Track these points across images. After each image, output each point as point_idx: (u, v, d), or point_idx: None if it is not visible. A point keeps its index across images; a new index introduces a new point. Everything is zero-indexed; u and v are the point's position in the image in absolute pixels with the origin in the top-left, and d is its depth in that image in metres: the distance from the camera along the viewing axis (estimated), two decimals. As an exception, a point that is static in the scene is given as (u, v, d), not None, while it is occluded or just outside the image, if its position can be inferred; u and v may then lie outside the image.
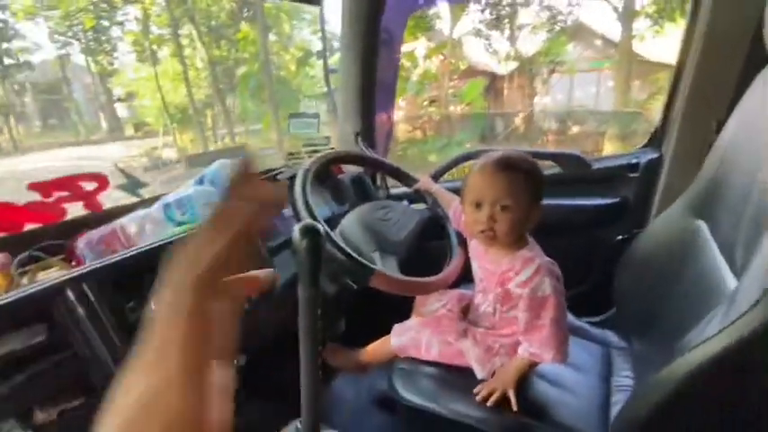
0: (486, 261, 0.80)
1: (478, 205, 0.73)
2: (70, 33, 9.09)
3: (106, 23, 8.99)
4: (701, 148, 0.97)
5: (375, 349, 0.96)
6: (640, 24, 7.00)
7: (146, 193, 1.01)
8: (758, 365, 0.45)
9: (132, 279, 0.66)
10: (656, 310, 0.80)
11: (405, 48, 6.57)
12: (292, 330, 0.56)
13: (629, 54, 7.05)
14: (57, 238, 0.79)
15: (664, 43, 6.80)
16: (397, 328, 0.91)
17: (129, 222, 0.83)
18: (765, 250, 0.47)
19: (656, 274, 0.83)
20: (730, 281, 0.57)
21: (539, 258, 0.74)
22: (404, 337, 0.87)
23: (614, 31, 7.44)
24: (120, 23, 9.30)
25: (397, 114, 7.66)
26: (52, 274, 0.73)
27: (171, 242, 0.73)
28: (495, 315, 0.80)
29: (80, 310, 0.58)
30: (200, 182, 0.95)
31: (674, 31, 6.52)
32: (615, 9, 6.97)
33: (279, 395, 0.80)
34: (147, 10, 7.91)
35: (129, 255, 0.68)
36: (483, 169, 0.74)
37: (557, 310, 0.71)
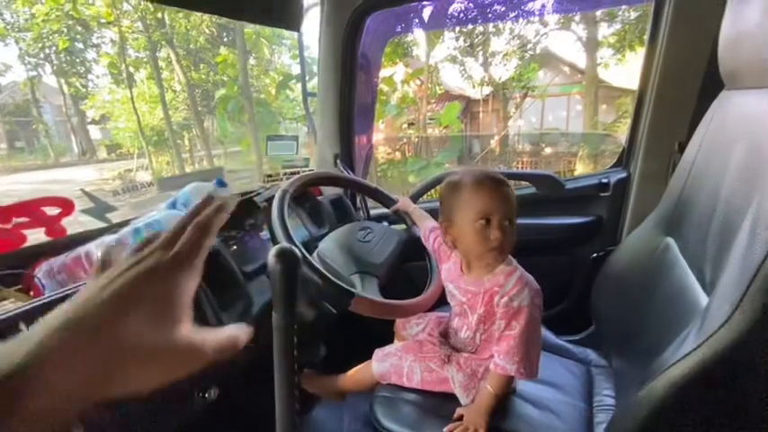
0: (465, 283, 0.79)
1: (488, 221, 0.71)
2: (42, 55, 8.90)
3: (80, 45, 8.88)
4: (666, 168, 1.02)
5: (356, 375, 0.92)
6: (604, 53, 7.45)
7: (115, 217, 0.97)
8: (733, 381, 0.45)
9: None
10: (632, 327, 0.81)
11: (384, 73, 6.75)
12: (267, 359, 0.54)
13: (595, 80, 7.46)
14: (14, 267, 0.74)
15: (626, 70, 7.24)
16: (378, 353, 0.88)
17: (95, 248, 0.79)
18: (732, 267, 0.49)
19: (630, 291, 0.85)
20: (701, 297, 0.59)
21: (519, 270, 0.74)
22: (386, 363, 0.85)
23: (580, 58, 7.89)
24: (96, 46, 9.20)
25: (377, 137, 7.78)
26: (6, 306, 0.68)
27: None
28: (476, 338, 0.79)
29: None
30: (173, 205, 0.92)
31: (635, 60, 6.96)
32: (580, 39, 7.41)
33: (254, 428, 0.75)
34: (123, 33, 7.86)
35: (92, 283, 0.64)
36: (483, 184, 0.72)
37: (528, 322, 0.70)
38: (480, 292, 0.75)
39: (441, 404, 0.78)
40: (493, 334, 0.76)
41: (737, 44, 0.62)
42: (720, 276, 0.50)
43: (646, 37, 1.11)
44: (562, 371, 0.93)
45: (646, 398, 0.51)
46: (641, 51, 1.13)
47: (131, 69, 8.62)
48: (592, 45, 7.34)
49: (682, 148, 0.85)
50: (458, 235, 0.76)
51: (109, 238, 0.81)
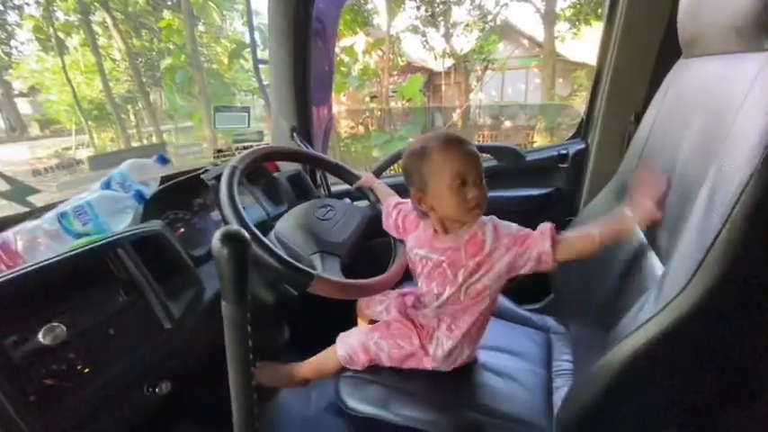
0: (441, 242, 0.77)
1: (464, 183, 0.70)
2: (-49, 16, 7.76)
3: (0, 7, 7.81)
4: (622, 139, 1.04)
5: (318, 362, 0.89)
6: (561, 27, 7.56)
7: (38, 201, 0.86)
8: (690, 349, 0.47)
9: (14, 306, 0.55)
10: (589, 295, 0.83)
11: (344, 42, 6.48)
12: (223, 350, 0.49)
13: (552, 54, 7.59)
14: None
15: (581, 45, 7.42)
16: (342, 336, 0.86)
17: (12, 237, 0.69)
18: (689, 235, 0.49)
19: (590, 261, 0.87)
20: (657, 266, 0.60)
21: (489, 218, 0.76)
22: (352, 341, 0.83)
23: (539, 31, 7.97)
24: (18, 7, 8.12)
25: (339, 110, 7.56)
26: None
27: (65, 258, 0.61)
28: (461, 294, 0.76)
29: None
30: (107, 185, 0.82)
31: (590, 34, 7.13)
32: (538, 11, 7.45)
33: (211, 423, 0.71)
34: (48, -8, 6.98)
35: (8, 276, 0.56)
36: (453, 147, 0.71)
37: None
38: (461, 245, 0.74)
39: (407, 381, 0.78)
40: (478, 288, 0.75)
41: (698, 8, 0.61)
42: (677, 245, 0.51)
43: (604, 8, 1.11)
44: (522, 339, 0.95)
45: (605, 365, 0.52)
46: (597, 26, 1.13)
47: (61, 35, 7.72)
48: (550, 18, 7.41)
49: (638, 119, 0.86)
50: (433, 201, 0.74)
51: (30, 225, 0.72)
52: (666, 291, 0.48)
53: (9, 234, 0.69)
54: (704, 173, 0.49)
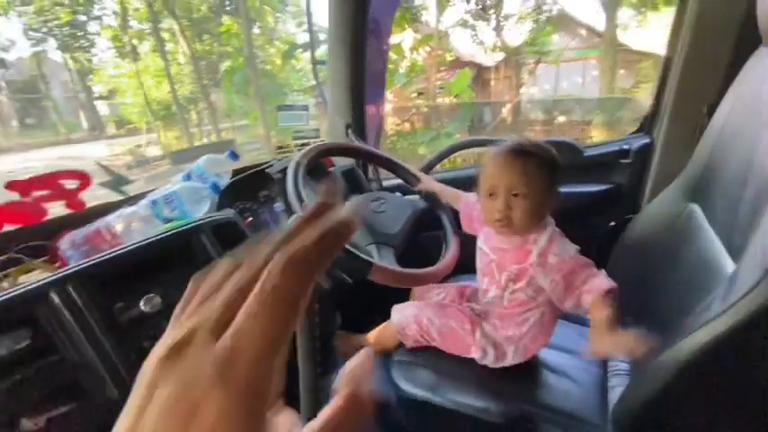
0: (500, 242, 0.79)
1: (492, 194, 0.72)
2: (45, 29, 8.78)
3: (83, 18, 8.72)
4: (692, 133, 0.98)
5: (378, 335, 0.95)
6: (624, 14, 7.05)
7: (131, 190, 0.98)
8: (759, 347, 0.45)
9: (120, 278, 0.64)
10: (651, 294, 0.80)
11: (392, 40, 6.50)
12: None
13: (613, 43, 7.10)
14: (38, 240, 0.76)
15: (646, 33, 6.87)
16: (398, 306, 0.91)
17: (114, 220, 0.80)
18: (761, 234, 0.47)
19: (651, 258, 0.83)
20: (728, 264, 0.57)
21: (550, 227, 0.74)
22: (407, 313, 0.87)
23: (598, 20, 7.49)
24: (98, 18, 9.03)
25: (386, 107, 7.60)
26: (35, 277, 0.70)
27: (159, 239, 0.70)
28: (503, 299, 0.78)
29: (66, 314, 0.55)
30: (188, 177, 0.92)
31: (657, 21, 6.59)
32: (599, -2, 7.01)
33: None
34: (124, 3, 7.67)
35: (115, 253, 0.65)
36: (496, 158, 0.73)
37: (587, 261, 0.71)
38: (511, 249, 0.75)
39: (458, 367, 0.80)
40: (519, 299, 0.76)
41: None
42: (749, 244, 0.49)
43: (675, -7, 1.04)
44: (578, 338, 0.93)
45: (666, 363, 0.51)
46: (665, 11, 1.06)
47: (135, 42, 8.47)
48: (612, 5, 6.94)
49: (711, 111, 0.81)
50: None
51: (128, 210, 0.82)
52: (735, 290, 0.46)
53: (112, 218, 0.81)
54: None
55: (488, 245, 0.82)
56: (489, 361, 0.79)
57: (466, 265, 0.89)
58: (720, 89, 0.83)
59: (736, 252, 0.56)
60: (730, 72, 0.81)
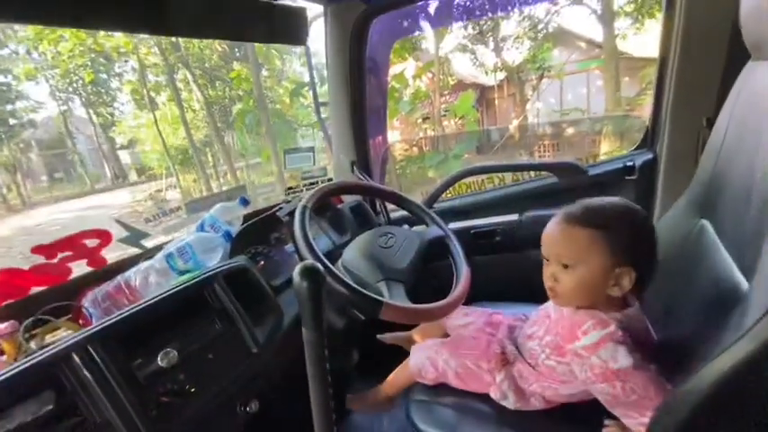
0: (558, 298, 0.71)
1: (547, 260, 0.68)
2: (70, 89, 9.43)
3: (104, 76, 9.33)
4: (694, 146, 0.97)
5: (395, 377, 0.94)
6: (621, 23, 7.12)
7: (149, 242, 1.02)
8: None
9: (138, 335, 0.66)
10: (668, 313, 0.78)
11: (394, 69, 6.71)
12: (301, 370, 0.55)
13: (614, 53, 7.14)
14: (63, 299, 0.80)
15: (646, 37, 6.89)
16: (415, 348, 0.90)
17: (132, 275, 0.84)
18: (772, 248, 0.46)
19: (666, 276, 0.81)
20: (741, 282, 0.56)
21: (614, 326, 0.61)
22: (422, 355, 0.86)
23: (597, 31, 7.57)
24: (119, 75, 9.65)
25: (393, 135, 7.75)
26: (60, 334, 0.73)
27: (174, 293, 0.73)
28: (539, 356, 0.74)
29: (87, 375, 0.57)
30: (201, 228, 0.96)
31: (655, 26, 6.62)
32: (594, 11, 7.12)
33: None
34: (143, 60, 8.19)
35: (132, 311, 0.68)
36: (552, 222, 0.68)
37: (647, 387, 0.58)
38: (563, 320, 0.69)
39: (478, 406, 0.78)
40: (551, 367, 0.72)
41: (760, 12, 0.58)
42: (759, 261, 0.48)
43: (662, 5, 1.06)
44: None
45: (693, 389, 0.49)
46: (661, 16, 1.07)
47: (152, 94, 8.97)
48: (608, 16, 7.03)
49: (710, 124, 0.81)
50: None
51: (144, 265, 0.86)
52: (751, 312, 0.45)
53: (131, 273, 0.84)
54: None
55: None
56: (509, 404, 0.76)
57: (482, 292, 0.88)
58: (717, 102, 0.83)
59: (747, 269, 0.55)
60: (725, 84, 0.81)
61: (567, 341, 0.66)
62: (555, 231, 0.67)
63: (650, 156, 1.11)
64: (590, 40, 8.06)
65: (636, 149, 1.19)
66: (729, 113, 0.74)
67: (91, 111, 10.38)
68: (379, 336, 1.10)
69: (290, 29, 1.03)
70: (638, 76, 7.41)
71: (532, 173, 1.36)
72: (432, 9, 1.69)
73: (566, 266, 0.65)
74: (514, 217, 1.22)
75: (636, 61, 7.37)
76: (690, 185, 0.83)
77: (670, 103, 1.02)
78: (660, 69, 1.07)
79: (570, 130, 7.47)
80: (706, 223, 0.74)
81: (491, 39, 7.56)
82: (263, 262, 1.03)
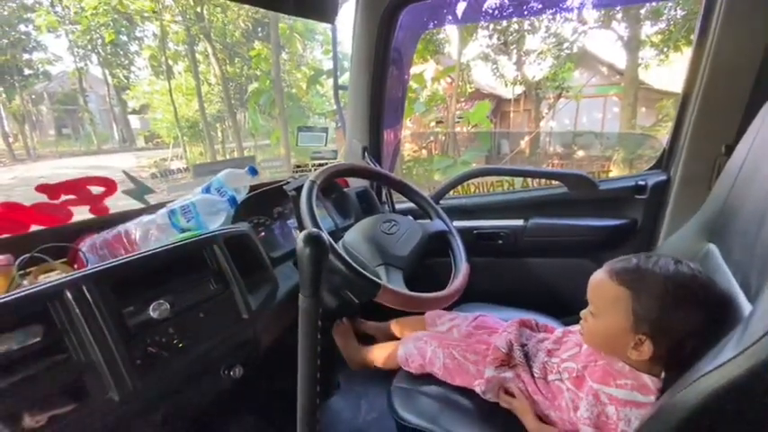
0: (588, 325, 0.71)
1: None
2: (89, 47, 9.41)
3: (125, 38, 9.32)
4: (710, 171, 0.97)
5: (382, 350, 0.95)
6: (645, 53, 7.10)
7: (152, 199, 1.01)
8: (762, 397, 0.43)
9: (133, 283, 0.66)
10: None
11: (414, 69, 6.71)
12: (290, 341, 0.55)
13: (635, 82, 7.13)
14: (61, 241, 0.79)
15: (669, 72, 6.88)
16: (406, 337, 0.91)
17: (133, 227, 0.83)
18: (781, 274, 0.46)
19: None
20: (745, 305, 0.55)
21: (653, 396, 0.61)
22: (410, 345, 0.86)
23: (620, 58, 7.57)
24: (139, 39, 9.64)
25: (404, 133, 7.75)
26: (54, 276, 0.73)
27: (173, 248, 0.72)
28: (551, 374, 0.75)
29: (77, 312, 0.57)
30: (207, 190, 0.96)
31: (680, 60, 6.61)
32: (621, 38, 7.10)
33: (276, 409, 0.77)
34: (165, 27, 8.17)
35: (130, 259, 0.67)
36: (601, 268, 0.69)
37: None
38: (578, 347, 0.73)
39: (459, 398, 0.78)
40: (553, 385, 0.73)
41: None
42: (766, 284, 0.47)
43: (694, 35, 1.05)
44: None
45: (680, 403, 0.49)
46: (687, 52, 1.07)
47: (170, 62, 8.95)
48: (633, 44, 7.01)
49: (729, 151, 0.81)
50: None
51: (146, 218, 0.85)
52: (752, 331, 0.44)
53: (131, 225, 0.84)
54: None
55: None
56: (493, 397, 0.77)
57: (477, 293, 0.88)
58: (739, 130, 0.83)
59: (752, 293, 0.55)
60: (748, 113, 0.81)
61: (597, 380, 0.65)
62: (595, 275, 0.68)
63: (664, 177, 1.11)
64: (612, 65, 8.06)
65: (650, 169, 1.19)
66: (750, 144, 0.73)
67: (107, 71, 10.37)
68: (360, 320, 1.11)
69: (320, 4, 1.02)
70: (655, 107, 7.42)
71: (542, 182, 1.36)
72: (460, 8, 1.68)
73: (593, 313, 0.67)
74: (519, 222, 1.22)
75: (654, 93, 7.37)
76: (701, 209, 0.82)
77: (691, 127, 1.02)
78: (684, 94, 1.06)
79: (581, 153, 7.47)
80: (713, 247, 0.74)
81: (514, 51, 7.55)
82: (263, 233, 1.03)
